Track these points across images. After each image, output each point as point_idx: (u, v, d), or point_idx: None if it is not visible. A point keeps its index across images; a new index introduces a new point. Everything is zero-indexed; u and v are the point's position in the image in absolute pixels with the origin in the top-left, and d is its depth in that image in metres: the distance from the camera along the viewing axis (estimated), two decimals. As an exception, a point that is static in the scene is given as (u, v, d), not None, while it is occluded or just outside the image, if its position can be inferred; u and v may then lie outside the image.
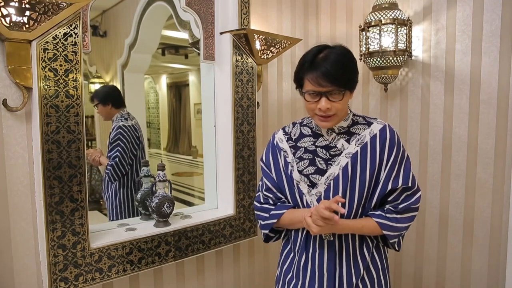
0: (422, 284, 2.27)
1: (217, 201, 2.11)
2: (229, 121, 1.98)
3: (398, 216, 1.25)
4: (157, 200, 1.71)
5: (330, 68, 1.15)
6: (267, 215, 1.34)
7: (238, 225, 2.03)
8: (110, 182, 2.15)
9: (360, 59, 2.28)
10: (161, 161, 1.79)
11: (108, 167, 2.10)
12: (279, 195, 1.35)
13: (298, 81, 1.24)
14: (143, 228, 1.74)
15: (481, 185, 2.00)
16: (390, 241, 1.29)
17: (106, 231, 1.68)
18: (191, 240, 1.83)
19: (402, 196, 1.26)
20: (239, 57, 1.97)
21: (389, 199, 1.26)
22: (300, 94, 1.26)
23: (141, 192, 1.85)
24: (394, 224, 1.24)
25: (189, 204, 2.75)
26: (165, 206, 1.73)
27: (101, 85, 2.50)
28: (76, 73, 1.41)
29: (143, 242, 1.66)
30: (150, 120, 2.98)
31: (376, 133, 1.26)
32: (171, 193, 1.83)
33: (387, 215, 1.25)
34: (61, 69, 1.38)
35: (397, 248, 1.34)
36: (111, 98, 2.22)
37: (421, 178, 2.23)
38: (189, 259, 1.91)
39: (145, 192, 1.84)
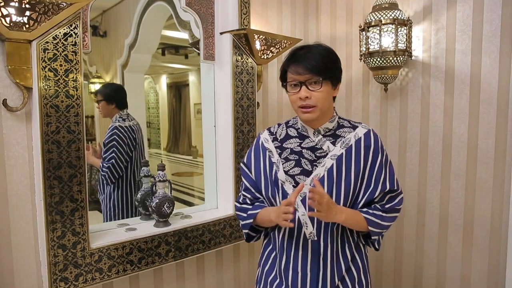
0: (422, 284, 2.27)
1: (217, 201, 2.11)
2: (229, 121, 1.98)
3: (384, 214, 1.29)
4: (157, 200, 1.71)
5: (309, 58, 1.21)
6: (245, 215, 1.37)
7: (238, 225, 2.03)
8: (104, 184, 2.14)
9: (360, 59, 2.28)
10: (161, 161, 1.80)
11: (104, 169, 2.09)
12: (257, 194, 1.38)
13: (283, 76, 1.30)
14: (143, 228, 1.74)
15: (481, 185, 2.00)
16: (372, 238, 1.31)
17: (106, 231, 1.68)
18: (191, 240, 1.83)
19: (386, 198, 1.30)
20: (239, 57, 1.97)
21: (374, 200, 1.29)
22: (286, 91, 1.30)
23: (141, 192, 1.85)
24: (380, 222, 1.27)
25: (189, 204, 2.75)
26: (165, 206, 1.73)
27: (101, 85, 2.49)
28: (76, 73, 1.41)
29: (143, 242, 1.66)
30: (150, 120, 2.98)
31: (361, 137, 1.29)
32: (171, 193, 1.83)
33: (374, 212, 1.28)
34: (61, 69, 1.38)
35: (377, 247, 1.36)
36: (117, 98, 2.20)
37: (421, 178, 2.23)
38: (189, 259, 1.91)
39: (145, 192, 1.84)
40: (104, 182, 2.12)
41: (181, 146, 3.30)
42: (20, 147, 1.40)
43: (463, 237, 2.09)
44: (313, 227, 1.25)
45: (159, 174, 1.75)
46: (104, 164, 2.09)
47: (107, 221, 2.16)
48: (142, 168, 1.88)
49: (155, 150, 3.01)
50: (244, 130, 2.02)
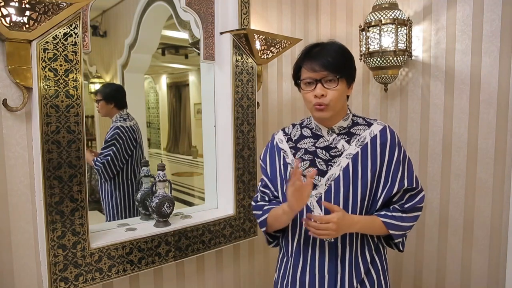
0: (422, 284, 2.27)
1: (217, 201, 2.11)
2: (229, 121, 1.98)
3: (404, 215, 1.25)
4: (157, 200, 1.71)
5: (325, 56, 1.19)
6: (260, 211, 1.34)
7: (238, 225, 2.03)
8: (105, 183, 2.15)
9: (360, 59, 2.28)
10: (161, 161, 1.80)
11: (98, 164, 2.10)
12: (275, 193, 1.35)
13: (296, 74, 1.27)
14: (143, 228, 1.74)
15: (481, 185, 2.00)
16: (395, 241, 1.28)
17: (106, 231, 1.68)
18: (191, 240, 1.83)
19: (406, 196, 1.26)
20: (239, 57, 1.97)
21: (394, 200, 1.26)
22: (298, 89, 1.28)
23: (141, 192, 1.85)
24: (400, 223, 1.24)
25: (189, 204, 2.75)
26: (165, 206, 1.73)
27: (101, 85, 2.49)
28: (76, 73, 1.41)
29: (143, 242, 1.66)
30: (150, 120, 2.98)
31: (376, 134, 1.26)
32: (171, 193, 1.83)
33: (393, 213, 1.24)
34: (61, 69, 1.38)
35: (401, 248, 1.33)
36: (116, 98, 2.21)
37: (421, 178, 2.23)
38: (189, 259, 1.91)
39: (145, 192, 1.84)
40: (102, 179, 2.13)
41: (181, 146, 3.30)
42: (20, 147, 1.40)
43: (463, 237, 2.09)
44: None
45: (159, 174, 1.75)
46: (99, 159, 2.10)
47: (109, 220, 2.17)
48: (142, 168, 1.88)
49: (155, 150, 3.01)
50: (244, 130, 2.02)
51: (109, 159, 2.10)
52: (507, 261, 1.91)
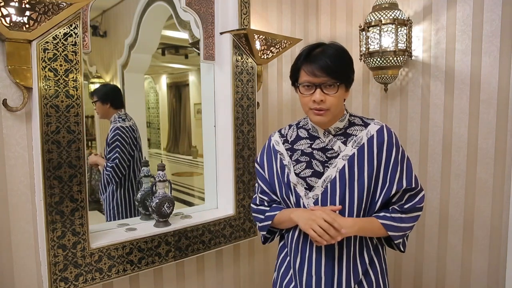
0: (422, 284, 2.27)
1: (217, 201, 2.11)
2: (229, 121, 1.98)
3: (403, 215, 1.24)
4: (157, 200, 1.71)
5: (326, 60, 1.17)
6: (262, 216, 1.35)
7: (238, 225, 2.03)
8: (108, 184, 2.15)
9: (360, 59, 2.28)
10: (161, 161, 1.80)
11: (108, 169, 2.10)
12: (274, 197, 1.35)
13: (294, 74, 1.26)
14: (143, 228, 1.74)
15: (481, 185, 2.00)
16: (395, 242, 1.28)
17: (106, 231, 1.68)
18: (191, 240, 1.83)
19: (406, 197, 1.26)
20: (239, 57, 1.97)
21: (393, 200, 1.26)
22: (295, 90, 1.27)
23: (141, 192, 1.85)
24: (399, 224, 1.23)
25: (189, 204, 2.75)
26: (165, 206, 1.73)
27: (101, 84, 2.50)
28: (76, 73, 1.41)
29: (143, 242, 1.66)
30: (150, 120, 2.98)
31: (373, 134, 1.25)
32: (171, 193, 1.83)
33: (392, 215, 1.24)
34: (61, 69, 1.38)
35: (402, 249, 1.32)
36: (111, 98, 2.22)
37: (421, 178, 2.23)
38: (189, 259, 1.91)
39: (145, 192, 1.84)
40: (108, 181, 2.13)
41: (181, 146, 3.30)
42: (20, 147, 1.40)
43: (463, 237, 2.09)
44: None
45: (159, 174, 1.75)
46: (108, 164, 2.10)
47: (109, 220, 2.17)
48: (142, 168, 1.88)
49: (155, 150, 3.01)
50: (244, 130, 2.02)
51: (117, 162, 2.10)
52: (507, 261, 1.91)
